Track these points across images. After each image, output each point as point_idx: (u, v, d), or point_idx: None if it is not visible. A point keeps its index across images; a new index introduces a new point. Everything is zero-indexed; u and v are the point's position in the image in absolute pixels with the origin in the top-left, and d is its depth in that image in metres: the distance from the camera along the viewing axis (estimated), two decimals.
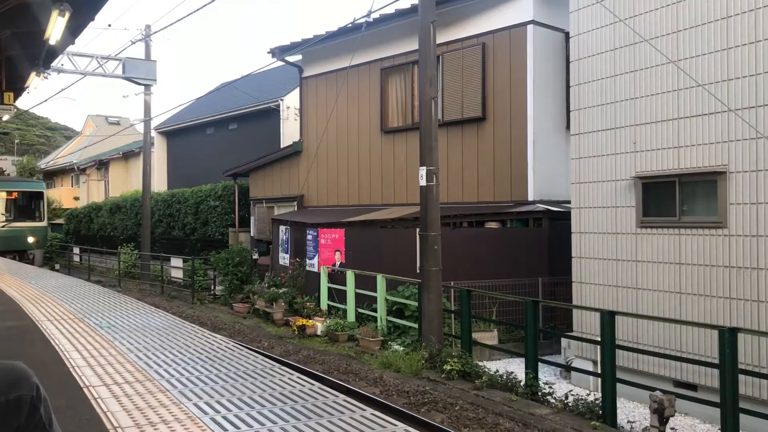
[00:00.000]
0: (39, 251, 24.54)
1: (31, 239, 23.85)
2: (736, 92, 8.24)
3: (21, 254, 23.57)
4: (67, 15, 9.13)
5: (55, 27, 9.65)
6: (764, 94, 7.98)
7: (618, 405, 7.99)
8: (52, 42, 10.60)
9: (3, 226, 23.43)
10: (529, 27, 13.14)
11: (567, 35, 11.76)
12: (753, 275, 8.06)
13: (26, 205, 25.10)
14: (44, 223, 25.32)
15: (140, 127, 26.58)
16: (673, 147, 8.97)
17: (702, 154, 8.64)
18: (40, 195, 25.49)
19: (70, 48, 16.20)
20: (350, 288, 12.80)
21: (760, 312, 7.96)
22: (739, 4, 8.23)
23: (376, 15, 15.10)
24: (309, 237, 14.95)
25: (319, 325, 12.58)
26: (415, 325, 10.98)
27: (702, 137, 8.64)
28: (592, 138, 10.07)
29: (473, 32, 14.09)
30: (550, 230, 12.70)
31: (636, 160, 9.44)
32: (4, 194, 24.11)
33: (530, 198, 13.07)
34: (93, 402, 4.25)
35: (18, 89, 16.31)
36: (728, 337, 6.90)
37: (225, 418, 3.88)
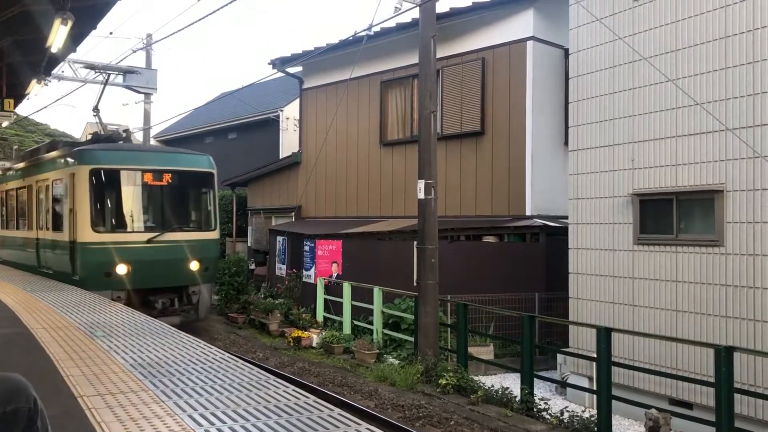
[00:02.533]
0: (207, 287, 13.06)
1: (194, 265, 12.54)
2: (734, 112, 8.29)
3: (178, 294, 12.68)
4: (70, 23, 9.16)
5: (58, 35, 9.68)
6: (762, 114, 8.02)
7: (613, 422, 7.97)
8: (53, 50, 10.62)
9: (147, 242, 12.09)
10: (529, 43, 13.21)
11: (566, 52, 11.83)
12: (750, 294, 8.06)
13: (185, 200, 13.64)
14: (215, 235, 13.40)
15: (140, 136, 26.64)
16: (670, 165, 9.01)
17: (699, 173, 8.67)
18: (207, 180, 13.36)
19: (71, 55, 16.25)
20: (346, 300, 12.78)
21: (757, 331, 7.97)
22: (738, 25, 8.30)
23: (377, 28, 15.17)
24: (306, 248, 14.95)
25: (314, 337, 12.55)
26: (411, 339, 10.95)
27: (700, 155, 8.68)
28: (590, 154, 10.10)
29: (473, 47, 14.16)
30: (547, 245, 12.71)
31: (634, 177, 9.47)
32: (146, 177, 12.40)
33: (528, 213, 13.09)
34: (87, 412, 4.23)
35: (18, 96, 16.34)
36: (724, 355, 6.90)
37: (219, 430, 3.86)
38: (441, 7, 13.23)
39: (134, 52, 22.34)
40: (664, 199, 9.10)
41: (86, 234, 11.69)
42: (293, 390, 4.82)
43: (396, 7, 11.61)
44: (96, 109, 14.70)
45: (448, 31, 14.05)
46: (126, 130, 15.06)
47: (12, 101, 15.26)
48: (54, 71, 16.45)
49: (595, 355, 8.30)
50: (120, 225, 12.29)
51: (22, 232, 15.75)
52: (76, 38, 11.38)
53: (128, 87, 22.54)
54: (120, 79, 22.17)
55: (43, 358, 5.87)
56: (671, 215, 8.98)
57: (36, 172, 14.79)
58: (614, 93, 9.78)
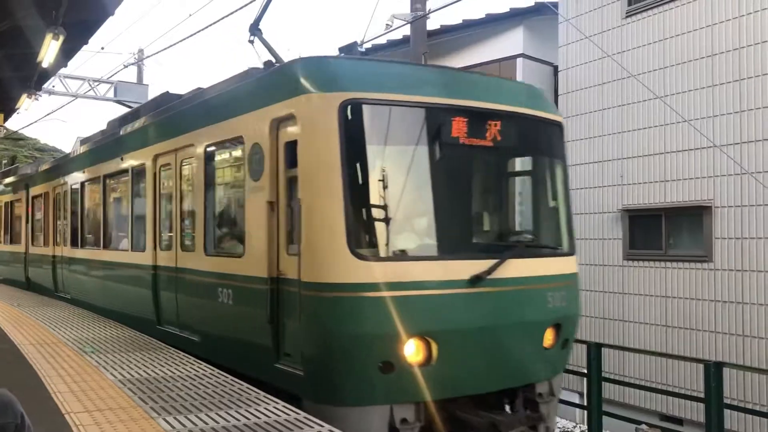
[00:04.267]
0: (558, 383, 5.88)
1: (548, 335, 5.53)
2: (722, 128, 8.38)
3: (511, 400, 5.51)
4: (61, 39, 9.17)
5: (49, 50, 9.69)
6: (748, 131, 8.11)
7: None
8: (45, 65, 10.64)
9: (470, 284, 5.02)
10: (519, 60, 13.31)
11: (556, 69, 11.94)
12: (738, 309, 8.11)
13: (524, 182, 6.31)
14: (573, 263, 6.07)
15: None
16: (659, 181, 9.08)
17: (688, 189, 8.75)
18: (555, 140, 6.07)
19: (62, 70, 16.25)
20: None
21: (746, 346, 8.00)
22: (724, 43, 8.41)
23: (368, 45, 15.27)
24: None
25: None
26: None
27: (688, 172, 8.75)
28: (579, 170, 10.17)
29: (463, 63, 14.24)
30: None
31: (623, 193, 9.53)
32: (457, 127, 5.19)
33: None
34: (74, 429, 4.19)
35: (9, 110, 16.31)
36: (714, 371, 6.91)
37: None
38: (432, 25, 13.33)
39: (126, 67, 22.37)
40: (652, 215, 9.16)
41: (332, 263, 4.91)
42: (283, 407, 4.79)
43: (387, 24, 11.70)
44: (257, 30, 7.16)
45: (438, 48, 14.14)
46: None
47: (2, 116, 15.22)
48: (45, 85, 16.45)
49: (585, 371, 8.29)
50: (407, 240, 5.36)
51: (120, 255, 9.07)
52: (67, 53, 11.39)
53: (119, 102, 22.56)
54: (111, 93, 22.18)
55: (30, 374, 5.81)
56: (660, 231, 9.03)
57: (157, 136, 7.99)
58: (603, 110, 9.87)
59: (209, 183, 6.75)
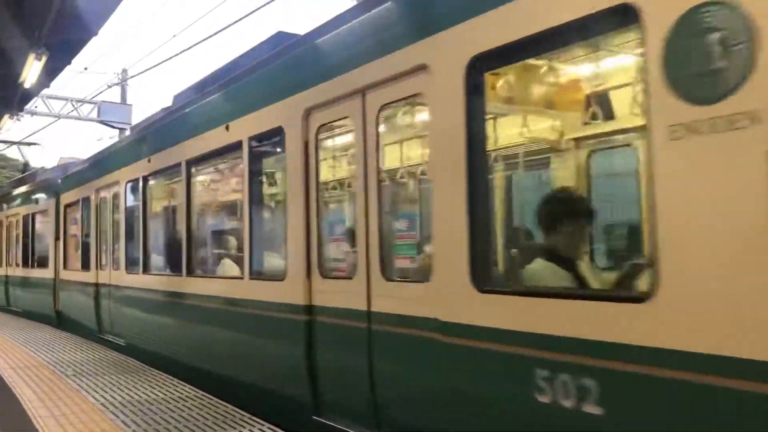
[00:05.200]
0: None
1: None
2: None
3: None
4: (44, 59, 9.15)
5: (31, 70, 9.67)
6: None
7: None
8: (27, 85, 10.60)
9: None
10: None
11: None
12: None
13: None
14: None
15: None
16: None
17: None
18: None
19: (45, 90, 16.19)
20: None
21: None
22: None
23: None
24: None
25: None
26: None
27: None
28: None
29: None
30: None
31: None
32: None
33: None
34: None
35: None
36: None
37: None
38: None
39: (109, 87, 22.35)
40: None
41: None
42: (268, 428, 4.74)
43: None
44: None
45: None
46: None
47: None
48: (27, 106, 16.37)
49: None
50: None
51: (222, 286, 6.22)
52: (50, 73, 11.36)
53: (102, 122, 22.49)
54: (94, 113, 22.12)
55: (10, 398, 5.72)
56: None
57: (313, 75, 4.69)
58: None
59: (478, 140, 3.35)
